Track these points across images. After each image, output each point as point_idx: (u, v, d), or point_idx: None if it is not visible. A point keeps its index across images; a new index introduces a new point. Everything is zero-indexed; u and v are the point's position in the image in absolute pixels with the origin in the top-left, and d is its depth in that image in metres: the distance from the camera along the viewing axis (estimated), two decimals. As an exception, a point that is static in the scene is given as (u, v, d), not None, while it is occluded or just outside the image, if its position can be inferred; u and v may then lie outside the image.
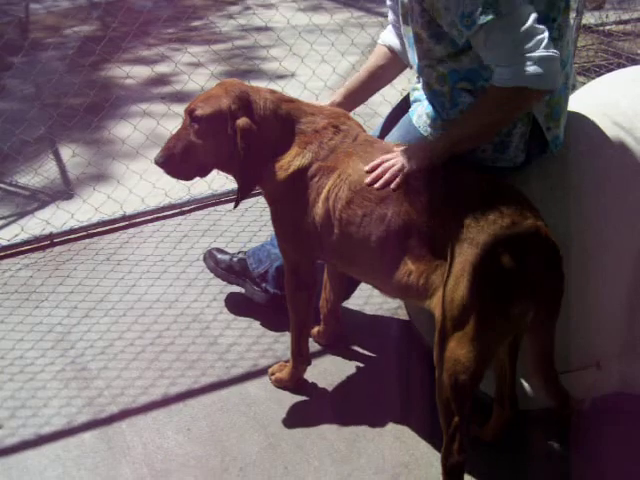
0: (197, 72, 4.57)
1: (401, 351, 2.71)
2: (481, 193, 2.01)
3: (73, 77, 4.90)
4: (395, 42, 2.45)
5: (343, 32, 4.68)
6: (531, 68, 1.94)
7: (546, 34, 1.95)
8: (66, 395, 2.52)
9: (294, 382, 2.53)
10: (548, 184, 2.28)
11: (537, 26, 1.95)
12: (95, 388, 2.55)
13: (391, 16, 2.44)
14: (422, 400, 2.43)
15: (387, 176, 2.09)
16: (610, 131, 2.33)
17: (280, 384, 2.54)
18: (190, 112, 2.23)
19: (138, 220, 3.53)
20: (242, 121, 2.18)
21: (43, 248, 3.35)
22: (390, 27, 2.48)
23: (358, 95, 2.54)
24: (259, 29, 5.83)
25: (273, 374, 2.57)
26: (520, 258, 1.89)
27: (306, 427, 2.40)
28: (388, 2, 2.39)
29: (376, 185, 2.09)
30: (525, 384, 2.33)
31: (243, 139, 2.17)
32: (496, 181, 2.08)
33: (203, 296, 2.98)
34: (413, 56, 2.26)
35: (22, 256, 3.30)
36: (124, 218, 3.50)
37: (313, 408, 2.47)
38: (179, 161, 2.24)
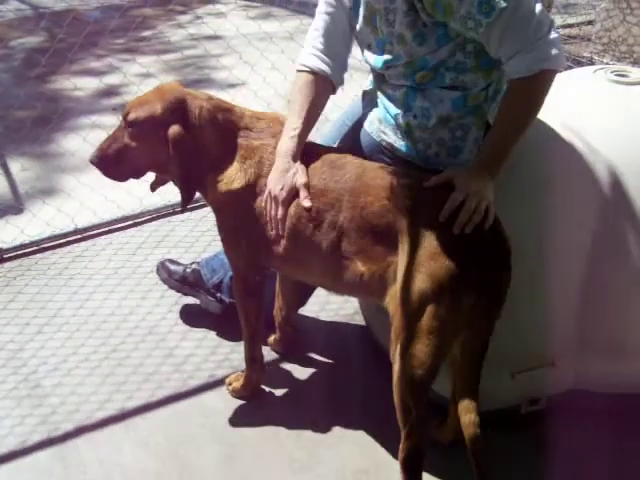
0: (147, 82, 4.53)
1: (358, 357, 2.71)
2: (430, 189, 2.02)
3: (20, 89, 4.82)
4: (323, 66, 2.30)
5: (293, 39, 4.68)
6: (552, 50, 2.00)
7: (550, 16, 2.03)
8: (19, 414, 2.47)
9: (250, 391, 2.51)
10: (496, 182, 2.31)
11: (544, 9, 2.01)
12: (49, 405, 2.50)
13: (316, 35, 2.35)
14: (380, 405, 2.43)
15: (476, 219, 1.96)
16: (558, 132, 2.36)
17: (237, 394, 2.52)
18: (125, 115, 2.23)
19: (90, 233, 3.48)
20: (173, 129, 2.17)
21: (-7, 264, 3.29)
22: (311, 50, 2.34)
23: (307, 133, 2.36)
24: (209, 38, 5.80)
25: (230, 384, 2.54)
26: (471, 249, 1.92)
27: (265, 437, 2.38)
28: (327, 10, 2.33)
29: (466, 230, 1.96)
30: (484, 384, 2.34)
31: (175, 147, 2.17)
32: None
33: (158, 308, 2.95)
34: (378, 59, 2.24)
35: (-29, 273, 3.23)
36: (76, 232, 3.45)
37: (271, 417, 2.45)
38: (113, 162, 2.25)
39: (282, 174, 2.15)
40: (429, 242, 1.93)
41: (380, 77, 2.31)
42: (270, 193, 2.17)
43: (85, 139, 3.72)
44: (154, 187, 2.44)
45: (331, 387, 2.58)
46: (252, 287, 2.36)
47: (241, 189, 2.21)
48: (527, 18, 2.00)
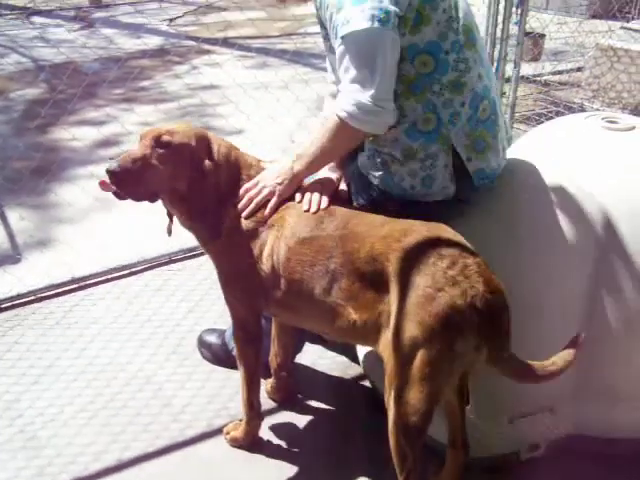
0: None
1: (356, 405, 2.70)
2: (417, 235, 2.04)
3: (19, 140, 4.87)
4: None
5: (288, 88, 4.76)
6: (351, 108, 2.08)
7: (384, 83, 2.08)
8: (14, 466, 2.44)
9: (249, 440, 2.49)
10: (492, 219, 2.34)
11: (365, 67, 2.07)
12: (45, 457, 2.48)
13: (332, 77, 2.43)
14: (379, 454, 2.42)
15: (258, 199, 2.22)
16: (551, 178, 2.40)
17: (236, 443, 2.50)
18: (157, 137, 2.23)
19: (88, 282, 3.48)
20: (208, 163, 2.24)
21: (-10, 314, 3.28)
22: (329, 97, 2.46)
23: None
24: (206, 88, 5.88)
25: (228, 433, 2.52)
26: (462, 296, 1.91)
27: (264, 486, 2.37)
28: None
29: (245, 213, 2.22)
30: (482, 430, 2.33)
31: (206, 179, 2.23)
32: (430, 222, 2.11)
33: (156, 357, 2.94)
34: None
35: (-32, 323, 3.22)
36: (73, 281, 3.45)
37: (269, 466, 2.43)
38: (133, 178, 2.20)
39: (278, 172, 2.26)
40: (418, 288, 1.94)
41: None
42: (264, 183, 2.25)
43: (83, 189, 3.75)
44: (170, 230, 2.43)
45: (328, 436, 2.56)
46: (252, 334, 2.37)
47: (244, 232, 2.24)
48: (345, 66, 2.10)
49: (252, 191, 2.25)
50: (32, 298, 3.38)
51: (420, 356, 1.92)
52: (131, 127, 4.91)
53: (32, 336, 3.12)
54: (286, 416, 2.65)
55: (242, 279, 2.28)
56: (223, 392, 2.76)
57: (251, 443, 2.50)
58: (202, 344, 2.94)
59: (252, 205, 2.23)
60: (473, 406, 2.34)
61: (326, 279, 2.11)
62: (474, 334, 1.93)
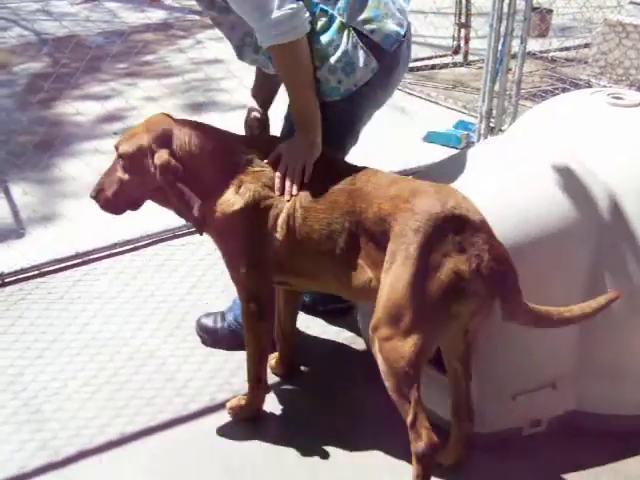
0: (149, 106, 4.57)
1: (359, 379, 2.70)
2: (425, 197, 2.08)
3: (22, 114, 4.86)
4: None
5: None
6: (272, 31, 2.18)
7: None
8: (19, 439, 2.46)
9: (253, 412, 2.51)
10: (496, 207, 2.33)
11: None
12: (49, 430, 2.49)
13: None
14: (382, 426, 2.43)
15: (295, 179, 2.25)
16: (556, 153, 2.38)
17: (239, 415, 2.51)
18: (116, 149, 2.32)
19: (91, 257, 3.48)
20: (159, 155, 2.24)
21: (-6, 288, 3.29)
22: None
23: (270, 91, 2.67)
24: (210, 62, 5.85)
25: (232, 408, 2.53)
26: (466, 262, 1.98)
27: (266, 461, 2.38)
28: None
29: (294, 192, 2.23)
30: (485, 405, 2.34)
31: (163, 175, 2.24)
32: (438, 184, 2.18)
33: (159, 332, 2.94)
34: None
35: (-28, 298, 3.23)
36: (77, 256, 3.45)
37: (273, 441, 2.45)
38: (110, 196, 2.35)
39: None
40: (424, 251, 1.99)
41: None
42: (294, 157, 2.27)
43: (87, 164, 3.74)
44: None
45: (332, 409, 2.57)
46: (266, 308, 2.38)
47: (241, 211, 2.24)
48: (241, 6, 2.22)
49: (287, 179, 2.25)
50: (36, 273, 3.39)
51: (416, 314, 2.00)
52: (135, 102, 4.89)
53: (36, 310, 3.13)
54: (290, 390, 2.67)
55: (254, 255, 2.29)
56: (226, 367, 2.78)
57: (255, 415, 2.51)
58: (202, 329, 2.91)
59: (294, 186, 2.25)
60: (475, 382, 2.34)
61: (342, 237, 2.16)
62: (474, 300, 2.00)
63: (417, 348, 2.02)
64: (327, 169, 2.28)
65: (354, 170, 2.27)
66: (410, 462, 2.11)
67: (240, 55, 2.50)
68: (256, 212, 2.24)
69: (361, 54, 2.35)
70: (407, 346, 2.01)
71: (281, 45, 2.22)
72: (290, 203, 2.22)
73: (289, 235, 2.23)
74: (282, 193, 2.24)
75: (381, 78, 2.45)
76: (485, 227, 2.05)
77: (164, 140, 2.28)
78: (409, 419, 2.06)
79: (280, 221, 2.23)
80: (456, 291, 1.98)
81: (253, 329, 2.40)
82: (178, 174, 2.24)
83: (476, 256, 1.98)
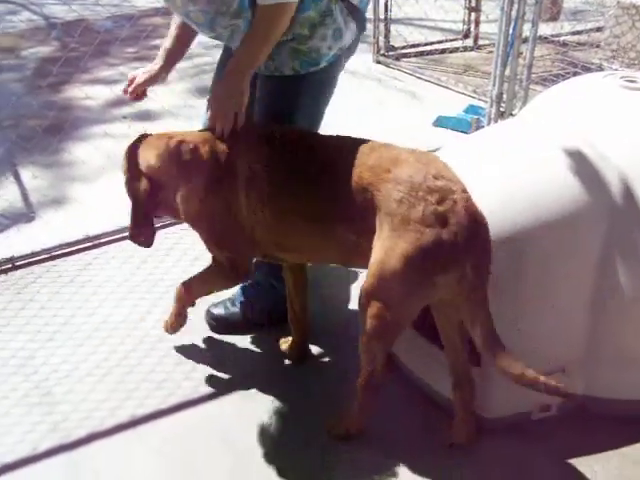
0: (158, 90, 4.54)
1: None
2: (407, 166, 2.12)
3: (31, 98, 4.86)
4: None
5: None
6: None
7: None
8: (30, 421, 2.48)
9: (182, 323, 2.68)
10: (507, 190, 2.31)
11: None
12: (60, 412, 2.51)
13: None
14: (394, 413, 2.44)
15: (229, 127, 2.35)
16: (567, 136, 2.37)
17: (174, 327, 2.69)
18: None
19: (101, 241, 3.49)
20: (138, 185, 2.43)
21: (5, 272, 3.29)
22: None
23: (176, 54, 2.72)
24: (219, 46, 5.79)
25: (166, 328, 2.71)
26: (449, 233, 2.01)
27: (276, 445, 2.39)
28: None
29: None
30: (494, 390, 2.34)
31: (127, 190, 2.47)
32: (417, 150, 2.28)
33: (167, 316, 2.94)
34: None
35: (-17, 280, 3.24)
36: (87, 239, 3.46)
37: (282, 423, 2.46)
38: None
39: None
40: (407, 222, 2.03)
41: None
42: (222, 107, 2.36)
43: (97, 148, 3.74)
44: None
45: (343, 395, 2.57)
46: (244, 272, 2.49)
47: (206, 196, 2.34)
48: None
49: (219, 121, 2.36)
50: (46, 256, 3.40)
51: (400, 283, 2.05)
52: (144, 86, 4.88)
53: (46, 294, 3.15)
54: (301, 375, 2.67)
55: (226, 235, 2.41)
56: (235, 350, 2.79)
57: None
58: (213, 318, 2.91)
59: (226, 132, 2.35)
60: (484, 366, 2.34)
61: (322, 208, 2.22)
62: (457, 268, 2.04)
63: (400, 316, 2.13)
64: (300, 143, 2.33)
65: (328, 140, 2.33)
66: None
67: (211, 26, 2.45)
68: (218, 195, 2.34)
69: (346, 19, 2.45)
70: (391, 314, 2.10)
71: (281, 5, 2.25)
72: (258, 182, 2.28)
73: (262, 212, 2.29)
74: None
75: (357, 40, 2.59)
76: (466, 196, 2.08)
77: (133, 164, 2.45)
78: (368, 369, 2.21)
79: (241, 197, 2.30)
80: (440, 261, 2.03)
81: (220, 285, 2.60)
82: (136, 187, 2.42)
83: (458, 226, 2.02)
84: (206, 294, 2.68)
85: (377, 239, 2.10)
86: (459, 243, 2.02)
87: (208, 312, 2.91)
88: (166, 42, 2.68)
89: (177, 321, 2.67)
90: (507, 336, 2.28)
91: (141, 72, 2.69)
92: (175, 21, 2.64)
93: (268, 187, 2.27)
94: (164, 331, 2.72)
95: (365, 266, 2.17)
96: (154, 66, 2.68)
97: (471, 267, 2.05)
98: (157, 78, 2.70)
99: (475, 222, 2.05)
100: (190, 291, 2.60)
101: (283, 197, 2.27)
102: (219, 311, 2.89)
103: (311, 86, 2.50)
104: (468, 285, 2.06)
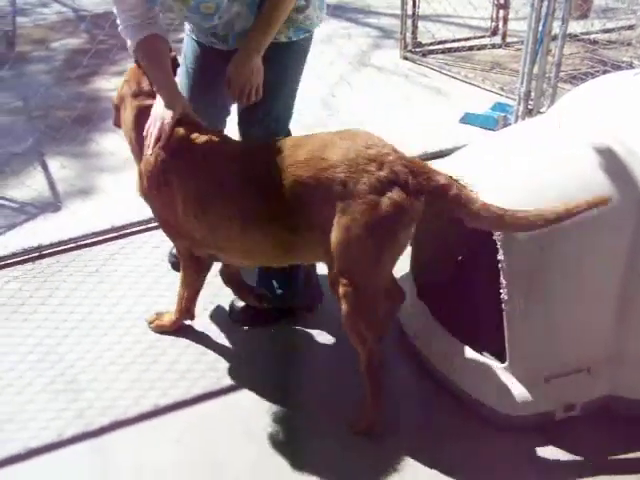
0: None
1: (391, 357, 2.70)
2: (338, 149, 2.19)
3: (60, 89, 4.90)
4: (160, 30, 2.56)
5: (331, 42, 4.70)
6: None
7: None
8: (55, 408, 2.50)
9: (172, 329, 2.81)
10: (536, 184, 2.30)
11: None
12: (85, 400, 2.53)
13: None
14: (419, 406, 2.44)
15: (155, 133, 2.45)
16: (596, 134, 2.34)
17: (161, 329, 2.82)
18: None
19: (127, 231, 3.52)
20: None
21: (32, 260, 3.33)
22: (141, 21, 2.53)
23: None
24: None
25: (152, 322, 2.83)
26: (400, 193, 2.11)
27: (296, 435, 2.39)
28: None
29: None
30: (519, 388, 2.33)
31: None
32: (338, 131, 2.31)
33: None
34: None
35: (11, 268, 3.28)
36: (113, 229, 3.49)
37: (303, 415, 2.46)
38: None
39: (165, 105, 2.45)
40: (361, 197, 2.11)
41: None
42: (154, 117, 2.44)
43: (124, 139, 3.75)
44: None
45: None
46: (200, 265, 2.61)
47: (149, 191, 2.51)
48: None
49: (242, 98, 2.49)
50: (72, 245, 3.43)
51: (367, 255, 2.15)
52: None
53: (72, 283, 3.17)
54: (319, 367, 2.68)
55: (168, 220, 2.54)
56: (259, 341, 2.80)
57: (175, 329, 2.82)
58: (236, 312, 2.93)
59: (151, 140, 2.44)
60: (509, 364, 2.34)
61: (260, 213, 2.29)
62: (414, 219, 2.16)
63: (374, 286, 2.21)
64: (224, 150, 2.42)
65: (251, 146, 2.48)
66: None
67: (219, 15, 2.50)
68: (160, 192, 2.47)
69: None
70: (365, 287, 2.19)
71: None
72: (189, 191, 2.38)
73: (197, 219, 2.40)
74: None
75: None
76: (397, 153, 2.18)
77: None
78: (364, 353, 2.27)
79: (179, 202, 2.41)
80: (400, 222, 2.14)
81: (188, 276, 2.66)
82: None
83: (405, 182, 2.12)
84: (188, 298, 2.72)
85: (335, 225, 2.16)
86: (409, 198, 2.12)
87: (231, 305, 2.93)
88: (163, 75, 2.53)
89: (169, 325, 2.83)
90: (535, 332, 2.28)
91: (167, 121, 2.44)
92: (152, 53, 2.56)
93: (198, 198, 2.38)
94: (148, 324, 2.85)
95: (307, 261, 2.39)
96: (181, 107, 2.49)
97: (435, 203, 2.15)
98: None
99: (417, 171, 2.15)
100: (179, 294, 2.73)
101: (216, 207, 2.36)
102: (241, 304, 2.90)
103: (299, 52, 2.67)
104: (459, 211, 2.15)
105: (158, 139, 2.42)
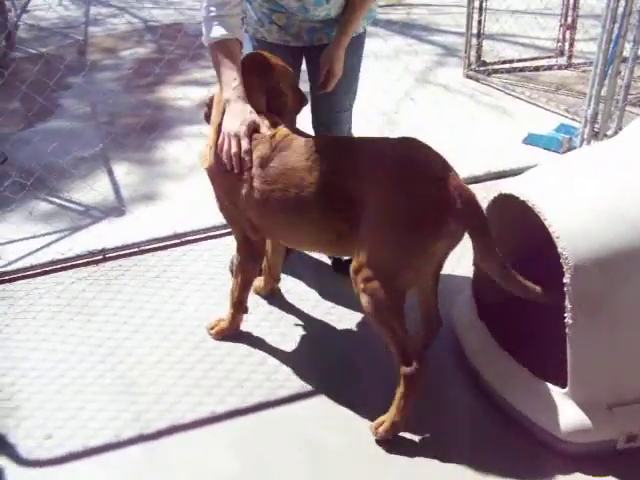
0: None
1: (444, 370, 2.68)
2: (385, 158, 2.27)
3: (129, 97, 5.00)
4: (234, 32, 2.53)
5: (398, 58, 4.70)
6: None
7: None
8: (114, 409, 2.54)
9: (233, 330, 2.86)
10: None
11: None
12: (143, 403, 2.57)
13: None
14: (469, 416, 2.41)
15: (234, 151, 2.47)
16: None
17: (221, 334, 2.86)
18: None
19: (189, 238, 3.56)
20: None
21: (96, 263, 3.40)
22: (218, 21, 2.50)
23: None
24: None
25: (212, 328, 2.88)
26: (438, 206, 2.16)
27: (352, 449, 2.38)
28: None
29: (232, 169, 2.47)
30: (579, 414, 2.28)
31: None
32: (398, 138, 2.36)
33: (252, 316, 2.96)
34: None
35: (75, 270, 3.35)
36: (175, 236, 3.54)
37: (360, 430, 2.44)
38: None
39: (239, 114, 2.46)
40: (399, 204, 2.18)
41: None
42: (228, 133, 2.45)
43: (189, 146, 3.82)
44: None
45: (423, 403, 2.55)
46: (253, 252, 2.69)
47: (214, 178, 2.58)
48: None
49: (225, 147, 2.46)
50: (135, 250, 3.49)
51: (400, 250, 2.20)
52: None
53: (134, 286, 3.23)
54: (377, 381, 2.64)
55: (228, 212, 2.63)
56: (318, 354, 2.79)
57: (234, 332, 2.86)
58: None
59: (234, 160, 2.45)
60: (570, 389, 2.29)
61: (302, 206, 2.36)
62: (448, 237, 2.21)
63: (399, 284, 2.25)
64: (290, 143, 2.44)
65: (312, 138, 2.47)
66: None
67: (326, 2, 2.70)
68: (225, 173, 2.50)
69: None
70: (390, 283, 2.22)
71: None
72: (249, 175, 2.44)
73: (254, 203, 2.46)
74: None
75: None
76: (451, 171, 2.23)
77: None
78: (397, 347, 2.28)
79: (244, 192, 2.47)
80: (438, 238, 2.18)
81: (242, 266, 2.72)
82: None
83: (452, 204, 2.16)
84: (241, 287, 2.77)
85: (367, 220, 2.23)
86: (449, 214, 2.16)
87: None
88: (231, 78, 2.51)
89: (228, 326, 2.87)
90: (598, 358, 2.23)
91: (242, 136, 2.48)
92: (225, 54, 2.53)
93: (261, 186, 2.42)
94: (208, 330, 2.89)
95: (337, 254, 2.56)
96: (251, 119, 2.50)
97: (467, 228, 2.22)
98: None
99: (460, 192, 2.18)
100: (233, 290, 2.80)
101: (265, 193, 2.42)
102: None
103: (364, 40, 2.98)
104: (475, 243, 2.25)
105: (238, 155, 2.44)
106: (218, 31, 2.49)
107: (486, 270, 2.31)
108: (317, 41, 2.87)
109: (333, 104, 3.01)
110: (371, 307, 2.27)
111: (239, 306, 2.82)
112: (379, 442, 2.38)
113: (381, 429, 2.37)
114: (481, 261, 2.29)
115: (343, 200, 2.29)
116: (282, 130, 2.49)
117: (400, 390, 2.32)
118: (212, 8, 2.48)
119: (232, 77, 2.49)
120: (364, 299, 2.28)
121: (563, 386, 2.32)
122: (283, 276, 3.13)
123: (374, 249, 2.23)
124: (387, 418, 2.38)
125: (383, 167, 2.25)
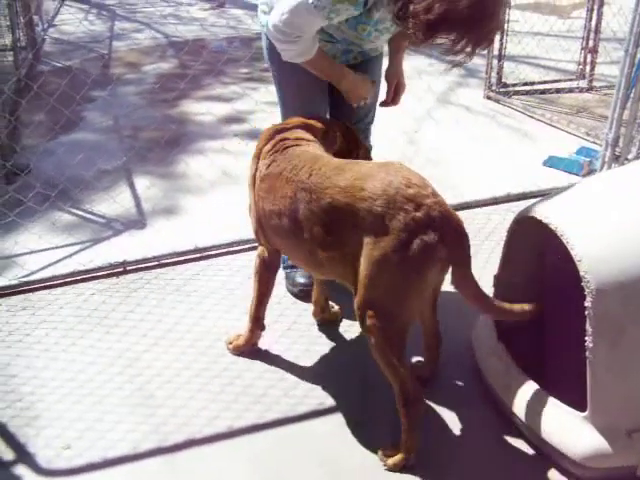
0: (270, 109, 4.64)
1: (467, 397, 2.67)
2: (378, 182, 2.24)
3: (152, 111, 5.05)
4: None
5: (420, 78, 4.73)
6: None
7: None
8: (132, 421, 2.55)
9: (250, 346, 2.87)
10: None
11: None
12: (161, 416, 2.58)
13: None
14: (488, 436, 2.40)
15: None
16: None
17: (238, 350, 2.87)
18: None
19: (209, 253, 3.58)
20: None
21: (116, 275, 3.42)
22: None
23: None
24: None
25: (231, 343, 2.89)
26: (432, 236, 2.16)
27: (369, 465, 2.37)
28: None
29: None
30: (598, 439, 2.27)
31: None
32: (383, 162, 2.38)
33: (271, 331, 2.97)
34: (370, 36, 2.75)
35: (96, 281, 3.37)
36: (196, 250, 3.56)
37: (375, 444, 2.43)
38: None
39: (360, 81, 2.83)
40: (392, 234, 2.17)
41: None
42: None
43: (212, 162, 3.85)
44: None
45: (442, 426, 2.55)
46: (268, 262, 2.74)
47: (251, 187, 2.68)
48: None
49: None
50: (155, 263, 3.51)
51: (395, 287, 2.21)
52: (257, 106, 5.01)
53: (154, 300, 3.25)
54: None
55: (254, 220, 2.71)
56: (338, 372, 2.79)
57: (251, 349, 2.87)
58: (296, 285, 3.23)
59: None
60: (589, 413, 2.28)
61: (300, 226, 2.41)
62: (440, 262, 2.22)
63: (401, 320, 2.26)
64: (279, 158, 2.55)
65: (296, 159, 2.50)
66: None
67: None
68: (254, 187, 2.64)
69: None
70: (391, 321, 2.25)
71: None
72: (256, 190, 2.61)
73: (260, 216, 2.60)
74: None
75: None
76: (436, 197, 2.22)
77: None
78: (397, 385, 2.30)
79: (254, 200, 2.63)
80: (429, 264, 2.19)
81: (258, 276, 2.77)
82: None
83: (439, 228, 2.17)
84: (257, 301, 2.80)
85: (363, 256, 2.23)
86: (439, 242, 2.16)
87: (293, 279, 3.20)
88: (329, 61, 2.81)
89: (245, 342, 2.89)
90: (618, 383, 2.22)
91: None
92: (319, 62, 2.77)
93: (259, 193, 2.58)
94: (227, 345, 2.91)
95: (334, 277, 2.49)
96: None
97: (453, 256, 2.23)
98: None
99: (451, 222, 2.21)
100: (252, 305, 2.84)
101: (267, 210, 2.55)
102: (302, 279, 3.14)
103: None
104: (455, 270, 2.27)
105: None
106: (313, 47, 2.67)
107: (463, 295, 2.32)
108: (352, 60, 2.94)
109: (362, 117, 3.12)
110: (378, 346, 2.29)
111: (256, 322, 2.83)
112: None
113: (390, 462, 2.37)
114: (457, 287, 2.30)
115: (323, 226, 2.36)
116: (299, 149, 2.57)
117: (404, 428, 2.34)
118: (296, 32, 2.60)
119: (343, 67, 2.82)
120: (371, 338, 2.29)
121: (583, 410, 2.31)
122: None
123: (371, 286, 2.24)
124: (396, 452, 2.38)
125: (374, 197, 2.23)
